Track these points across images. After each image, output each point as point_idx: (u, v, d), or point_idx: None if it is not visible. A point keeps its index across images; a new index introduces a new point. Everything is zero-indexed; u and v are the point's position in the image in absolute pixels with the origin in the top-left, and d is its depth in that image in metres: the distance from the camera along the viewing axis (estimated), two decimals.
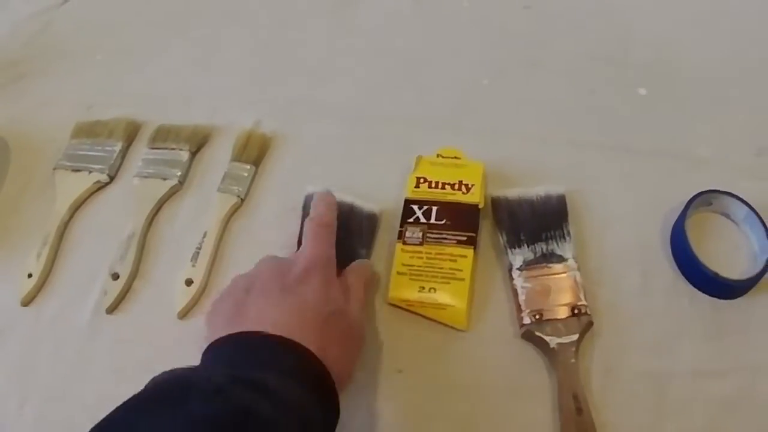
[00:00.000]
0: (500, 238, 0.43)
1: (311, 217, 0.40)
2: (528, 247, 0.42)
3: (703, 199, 0.44)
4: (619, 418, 0.38)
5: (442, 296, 0.41)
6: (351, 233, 0.43)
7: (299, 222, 0.44)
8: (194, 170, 0.51)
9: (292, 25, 0.60)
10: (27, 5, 0.65)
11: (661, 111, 0.51)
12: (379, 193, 0.47)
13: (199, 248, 0.45)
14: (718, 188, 0.44)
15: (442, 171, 0.45)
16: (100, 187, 0.50)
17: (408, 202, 0.44)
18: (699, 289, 0.42)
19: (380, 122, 0.52)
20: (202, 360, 0.33)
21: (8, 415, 0.41)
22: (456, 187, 0.44)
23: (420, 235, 0.43)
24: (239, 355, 0.32)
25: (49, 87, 0.58)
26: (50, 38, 0.62)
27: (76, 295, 0.45)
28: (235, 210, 0.48)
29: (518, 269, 0.42)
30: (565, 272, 0.41)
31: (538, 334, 0.39)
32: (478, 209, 0.43)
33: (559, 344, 0.39)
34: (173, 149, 0.51)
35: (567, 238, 0.43)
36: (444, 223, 0.43)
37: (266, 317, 0.34)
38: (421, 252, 0.42)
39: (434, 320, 0.41)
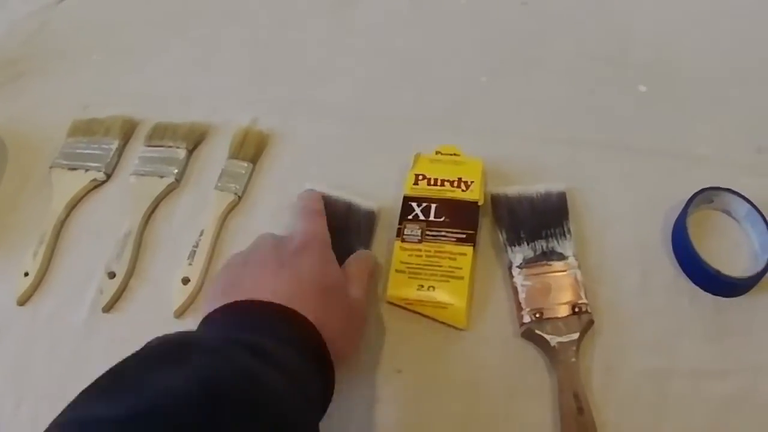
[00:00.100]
0: (500, 235, 0.43)
1: (299, 207, 0.41)
2: (528, 244, 0.42)
3: (704, 196, 0.43)
4: (619, 417, 0.37)
5: (442, 295, 0.40)
6: (349, 231, 0.43)
7: None
8: (191, 168, 0.50)
9: (290, 24, 0.60)
10: (25, 4, 0.65)
11: (660, 109, 0.50)
12: (378, 191, 0.46)
13: (196, 246, 0.45)
14: (719, 185, 0.43)
15: (441, 168, 0.45)
16: (96, 185, 0.50)
17: (407, 200, 0.44)
18: (700, 287, 0.42)
19: (379, 120, 0.51)
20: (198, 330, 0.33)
21: (4, 414, 0.41)
22: (455, 184, 0.44)
23: (419, 232, 0.42)
24: (235, 323, 0.32)
25: (46, 86, 0.58)
26: (47, 37, 0.62)
27: (73, 293, 0.45)
28: (232, 208, 0.48)
29: (518, 267, 0.41)
30: (565, 270, 0.41)
31: (538, 332, 0.39)
32: (478, 206, 0.43)
33: (560, 343, 0.38)
34: (170, 147, 0.50)
35: (567, 235, 0.42)
36: (443, 221, 0.42)
37: (263, 287, 0.33)
38: (420, 250, 0.42)
39: (433, 319, 0.41)
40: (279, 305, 0.32)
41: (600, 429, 0.36)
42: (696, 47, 0.54)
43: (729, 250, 0.43)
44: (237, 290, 0.34)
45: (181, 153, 0.50)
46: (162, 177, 0.49)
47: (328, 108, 0.53)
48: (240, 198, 0.48)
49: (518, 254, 0.42)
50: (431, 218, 0.43)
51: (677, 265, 0.43)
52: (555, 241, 0.42)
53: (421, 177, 0.45)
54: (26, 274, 0.45)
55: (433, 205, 0.43)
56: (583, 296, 0.40)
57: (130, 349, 0.41)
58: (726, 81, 0.52)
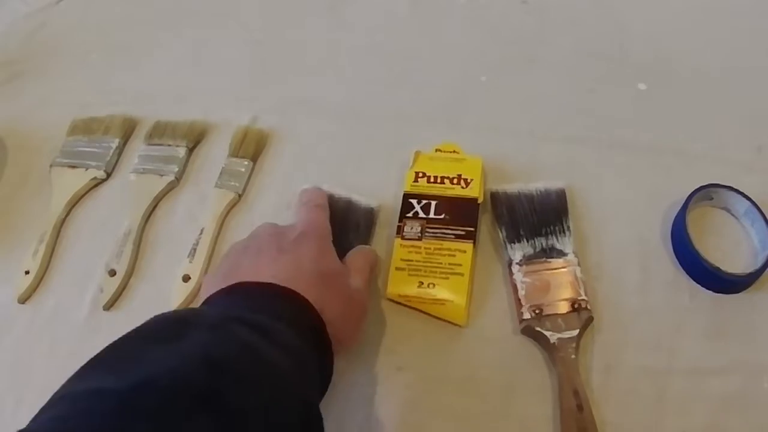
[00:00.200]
0: (499, 232, 0.43)
1: (303, 201, 0.41)
2: (527, 241, 0.42)
3: (704, 193, 0.44)
4: (619, 414, 0.37)
5: (441, 291, 0.40)
6: (348, 228, 0.43)
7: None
8: (191, 166, 0.50)
9: (290, 22, 0.60)
10: (24, 5, 0.65)
11: (660, 107, 0.50)
12: (378, 188, 0.46)
13: (196, 244, 0.45)
14: (718, 183, 0.43)
15: (441, 165, 0.45)
16: (96, 183, 0.50)
17: (407, 197, 0.44)
18: (700, 284, 0.42)
19: (378, 118, 0.51)
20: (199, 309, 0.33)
21: (4, 412, 0.41)
22: (455, 181, 0.44)
23: (419, 229, 0.42)
24: (236, 303, 0.32)
25: (45, 86, 0.58)
26: (46, 37, 0.62)
27: (73, 292, 0.45)
28: (232, 206, 0.48)
29: (518, 264, 0.41)
30: (565, 267, 0.41)
31: (538, 329, 0.39)
32: (477, 204, 0.43)
33: (559, 339, 0.38)
34: (170, 145, 0.50)
35: (567, 232, 0.42)
36: (443, 218, 0.43)
37: (262, 271, 0.34)
38: (419, 247, 0.42)
39: (433, 316, 0.41)
40: (279, 286, 0.32)
41: (599, 426, 0.36)
42: (696, 45, 0.54)
43: (728, 247, 0.43)
44: (237, 275, 0.34)
45: (181, 151, 0.50)
46: (162, 175, 0.49)
47: (328, 106, 0.53)
48: (240, 196, 0.48)
49: (518, 251, 0.42)
50: (431, 215, 0.43)
51: (677, 262, 0.43)
52: (554, 238, 0.42)
53: (420, 174, 0.45)
54: (27, 273, 0.45)
55: (433, 203, 0.43)
56: (582, 293, 0.40)
57: None
58: (726, 78, 0.52)
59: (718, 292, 0.41)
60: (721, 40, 0.54)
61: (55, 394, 0.25)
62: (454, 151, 0.46)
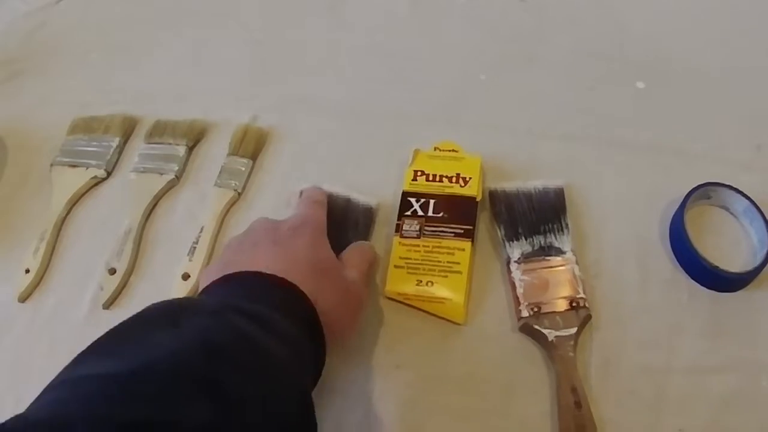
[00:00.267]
0: (498, 231, 0.43)
1: (303, 195, 0.42)
2: (526, 240, 0.42)
3: (702, 192, 0.44)
4: (617, 412, 0.37)
5: (440, 290, 0.41)
6: (347, 226, 0.43)
7: None
8: (191, 165, 0.51)
9: (289, 21, 0.60)
10: (24, 4, 0.65)
11: (659, 105, 0.50)
12: (377, 187, 0.46)
13: (196, 243, 0.45)
14: (716, 181, 0.43)
15: (440, 164, 0.45)
16: (97, 182, 0.50)
17: (405, 195, 0.44)
18: (698, 283, 0.42)
19: (378, 117, 0.52)
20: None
21: (4, 410, 0.40)
22: (453, 180, 0.44)
23: (417, 228, 0.42)
24: (232, 292, 0.33)
25: (45, 85, 0.58)
26: (46, 36, 0.62)
27: (73, 290, 0.45)
28: (232, 204, 0.48)
29: (516, 262, 0.42)
30: (563, 265, 0.41)
31: (536, 327, 0.39)
32: (476, 202, 0.43)
33: (558, 337, 0.38)
34: (170, 144, 0.51)
35: (565, 231, 0.42)
36: (441, 216, 0.43)
37: (257, 263, 0.34)
38: (418, 245, 0.42)
39: (432, 314, 0.41)
40: (273, 276, 0.33)
41: (598, 423, 0.36)
42: (694, 44, 0.54)
43: (727, 245, 0.43)
44: (233, 267, 0.34)
45: (181, 150, 0.50)
46: (162, 174, 0.49)
47: (327, 105, 0.53)
48: (240, 194, 0.48)
49: (516, 249, 0.42)
50: (430, 214, 0.43)
51: (675, 260, 0.43)
52: (553, 237, 0.42)
53: (419, 173, 0.45)
54: (27, 271, 0.46)
55: (432, 201, 0.43)
56: (581, 291, 0.40)
57: None
58: (725, 77, 0.52)
59: (716, 291, 0.41)
60: (720, 39, 0.54)
61: (55, 378, 0.25)
62: (453, 150, 0.46)
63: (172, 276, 0.44)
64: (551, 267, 0.41)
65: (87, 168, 0.50)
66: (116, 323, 0.43)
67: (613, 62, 0.53)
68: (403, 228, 0.43)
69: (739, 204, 0.43)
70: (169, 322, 0.27)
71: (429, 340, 0.41)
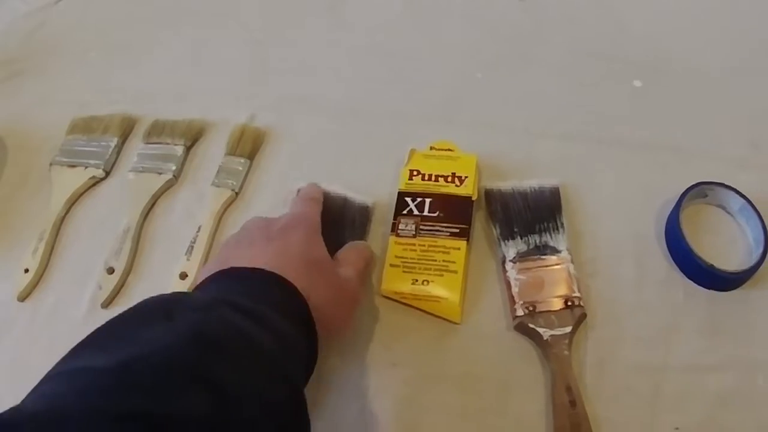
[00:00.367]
0: (493, 230, 0.43)
1: (299, 194, 0.42)
2: (521, 239, 0.42)
3: (698, 191, 0.44)
4: (612, 410, 0.37)
5: (436, 289, 0.41)
6: (343, 225, 0.43)
7: None
8: (189, 165, 0.51)
9: (286, 21, 0.60)
10: (23, 3, 0.65)
11: (655, 104, 0.50)
12: (373, 186, 0.47)
13: (194, 242, 0.46)
14: (712, 180, 0.43)
15: (436, 163, 0.45)
16: (95, 182, 0.51)
17: (401, 195, 0.44)
18: (694, 281, 0.42)
19: (374, 116, 0.52)
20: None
21: (4, 409, 0.41)
22: (449, 179, 0.44)
23: (413, 227, 0.43)
24: (224, 287, 0.33)
25: (44, 84, 0.58)
26: (46, 36, 0.62)
27: (72, 289, 0.46)
28: (229, 204, 0.48)
29: (511, 261, 0.42)
30: (558, 264, 0.41)
31: (531, 326, 0.39)
32: (472, 201, 0.43)
33: (553, 336, 0.39)
34: (168, 144, 0.51)
35: (561, 230, 0.42)
36: (437, 216, 0.43)
37: (251, 260, 0.34)
38: (414, 244, 0.42)
39: (427, 313, 0.41)
40: (265, 271, 0.33)
41: (592, 422, 0.36)
42: (691, 43, 0.54)
43: (723, 244, 0.43)
44: (228, 264, 0.34)
45: (179, 150, 0.50)
46: (160, 174, 0.49)
47: (324, 104, 0.53)
48: (237, 194, 0.48)
49: (511, 248, 0.42)
50: (425, 213, 0.43)
51: (671, 259, 0.43)
52: (548, 236, 0.42)
53: (415, 172, 0.45)
54: (26, 271, 0.46)
55: (428, 200, 0.43)
56: (576, 290, 0.40)
57: None
58: (721, 76, 0.52)
59: (712, 289, 0.41)
60: (717, 39, 0.54)
61: (51, 370, 0.25)
62: (449, 149, 0.46)
63: (170, 275, 0.45)
64: (546, 266, 0.41)
65: (86, 168, 0.50)
66: None
67: (610, 61, 0.53)
68: (399, 227, 0.43)
69: (735, 203, 0.43)
70: (163, 317, 0.27)
71: (425, 338, 0.41)
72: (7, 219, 0.50)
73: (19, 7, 0.65)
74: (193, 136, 0.51)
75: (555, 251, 0.42)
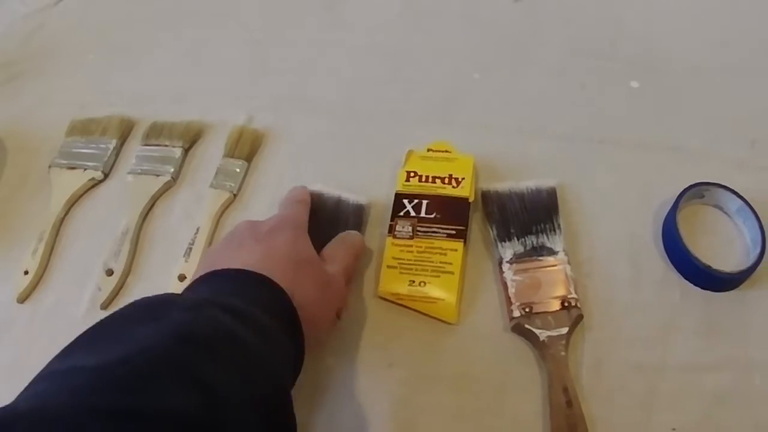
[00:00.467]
0: (490, 231, 0.43)
1: (286, 196, 0.43)
2: (518, 240, 0.42)
3: (695, 191, 0.44)
4: (609, 411, 0.37)
5: (432, 290, 0.41)
6: (338, 225, 0.43)
7: None
8: (187, 166, 0.51)
9: (284, 22, 0.60)
10: (22, 5, 0.65)
11: (652, 104, 0.50)
12: (371, 187, 0.47)
13: (192, 244, 0.46)
14: (710, 180, 0.43)
15: (433, 165, 0.45)
16: (94, 184, 0.51)
17: (398, 196, 0.44)
18: (691, 282, 0.42)
19: (371, 118, 0.52)
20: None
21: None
22: (446, 180, 0.44)
23: (410, 228, 0.43)
24: (211, 288, 0.33)
25: (44, 86, 0.58)
26: (45, 38, 0.63)
27: (72, 291, 0.46)
28: (227, 205, 0.48)
29: (508, 262, 0.42)
30: (555, 265, 0.41)
31: (528, 326, 0.39)
32: (468, 203, 0.44)
33: (549, 337, 0.39)
34: (166, 146, 0.51)
35: (557, 231, 0.42)
36: (434, 217, 0.43)
37: (238, 261, 0.35)
38: (411, 246, 0.42)
39: (424, 314, 0.41)
40: (253, 272, 0.33)
41: (589, 423, 0.36)
42: (688, 43, 0.54)
43: (720, 244, 0.43)
44: (216, 266, 0.35)
45: (177, 152, 0.50)
46: (158, 175, 0.49)
47: (321, 106, 0.53)
48: (235, 196, 0.48)
49: (508, 249, 0.42)
50: (422, 215, 0.43)
51: (668, 259, 0.43)
52: (545, 237, 0.42)
53: (412, 174, 0.45)
54: (26, 272, 0.46)
55: (425, 202, 0.44)
56: (572, 291, 0.40)
57: None
58: (718, 75, 0.52)
59: (708, 290, 0.41)
60: (714, 39, 0.54)
61: (41, 371, 0.26)
62: (446, 150, 0.46)
63: (169, 276, 0.45)
64: (543, 267, 0.41)
65: (84, 170, 0.51)
66: None
67: (607, 62, 0.53)
68: (396, 229, 0.43)
69: (733, 203, 0.43)
70: (153, 317, 0.27)
71: (421, 339, 0.41)
72: (7, 220, 0.50)
73: (18, 9, 0.65)
74: (192, 138, 0.52)
75: (552, 252, 0.42)
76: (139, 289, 0.46)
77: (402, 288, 0.41)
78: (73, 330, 0.43)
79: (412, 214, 0.43)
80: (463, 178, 0.44)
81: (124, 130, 0.53)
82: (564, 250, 0.42)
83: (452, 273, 0.41)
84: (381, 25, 0.58)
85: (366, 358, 0.40)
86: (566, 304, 0.40)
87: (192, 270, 0.45)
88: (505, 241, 0.42)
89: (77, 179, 0.50)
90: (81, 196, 0.50)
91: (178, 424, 0.23)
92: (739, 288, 0.41)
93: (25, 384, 0.42)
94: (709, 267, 0.40)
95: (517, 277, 0.41)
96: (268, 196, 0.48)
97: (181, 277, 0.44)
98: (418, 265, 0.42)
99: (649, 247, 0.43)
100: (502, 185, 0.45)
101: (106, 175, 0.51)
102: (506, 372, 0.39)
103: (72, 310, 0.45)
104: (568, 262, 0.41)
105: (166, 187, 0.50)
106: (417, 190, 0.44)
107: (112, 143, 0.52)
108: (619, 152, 0.48)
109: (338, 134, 0.51)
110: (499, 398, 0.39)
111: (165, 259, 0.46)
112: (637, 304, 0.41)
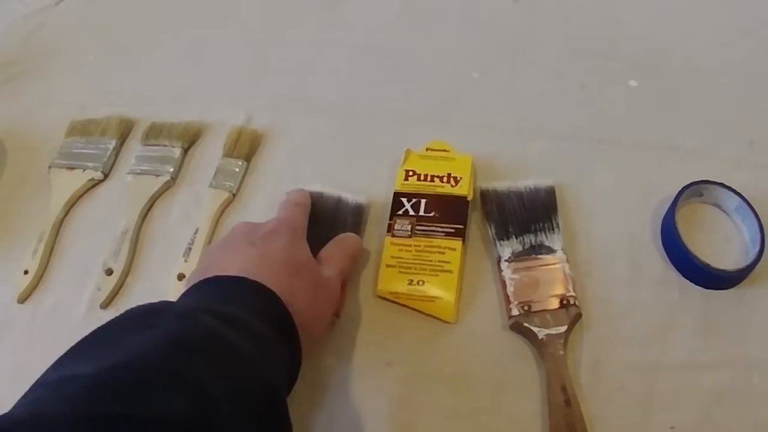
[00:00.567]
0: (489, 230, 0.43)
1: (285, 198, 0.43)
2: (516, 238, 0.42)
3: (694, 189, 0.44)
4: (607, 410, 0.37)
5: (431, 289, 0.41)
6: (337, 225, 0.44)
7: None
8: (186, 166, 0.51)
9: (283, 23, 0.60)
10: (22, 5, 0.65)
11: (651, 103, 0.50)
12: (369, 187, 0.47)
13: (192, 244, 0.46)
14: (709, 179, 0.43)
15: (431, 164, 0.45)
16: (94, 184, 0.51)
17: (397, 195, 0.44)
18: (690, 280, 0.42)
19: (370, 117, 0.52)
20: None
21: (4, 410, 0.42)
22: (445, 179, 0.44)
23: (409, 227, 0.43)
24: (205, 295, 0.33)
25: (44, 86, 0.58)
26: (45, 38, 0.63)
27: (71, 291, 0.46)
28: (226, 205, 0.48)
29: (507, 261, 0.42)
30: (554, 264, 0.41)
31: (526, 325, 0.39)
32: (467, 201, 0.44)
33: (548, 335, 0.39)
34: (166, 146, 0.51)
35: (556, 229, 0.43)
36: (433, 216, 0.43)
37: (233, 266, 0.35)
38: (410, 245, 0.42)
39: (423, 313, 0.41)
40: (245, 279, 0.33)
41: (588, 421, 0.36)
42: (687, 42, 0.54)
43: (719, 243, 0.43)
44: (211, 271, 0.35)
45: (177, 152, 0.51)
46: (158, 176, 0.50)
47: (320, 105, 0.53)
48: (234, 195, 0.49)
49: (507, 248, 0.42)
50: (421, 213, 0.43)
51: (667, 258, 0.43)
52: (543, 235, 0.42)
53: (411, 173, 0.45)
54: (26, 272, 0.46)
55: (423, 201, 0.44)
56: (571, 289, 0.40)
57: None
58: (717, 74, 0.52)
59: (707, 288, 0.41)
60: (712, 37, 0.54)
61: (37, 380, 0.26)
62: (444, 150, 0.46)
63: (168, 276, 0.45)
64: (542, 266, 0.41)
65: (84, 170, 0.51)
66: None
67: (607, 61, 0.53)
68: (395, 228, 0.43)
69: (731, 201, 0.43)
70: (146, 325, 0.28)
71: (420, 338, 0.41)
72: (7, 220, 0.50)
73: (18, 9, 0.65)
74: (191, 138, 0.52)
75: (550, 251, 0.42)
76: (139, 289, 0.46)
77: (401, 287, 0.41)
78: (73, 330, 0.43)
79: (411, 212, 0.43)
80: (461, 177, 0.44)
81: (124, 131, 0.53)
82: (563, 249, 0.42)
83: (451, 272, 0.41)
84: (381, 24, 0.58)
85: (364, 357, 0.40)
86: (565, 303, 0.40)
87: (191, 270, 0.44)
88: (503, 240, 0.43)
89: (77, 179, 0.50)
90: (81, 196, 0.50)
91: (171, 429, 0.23)
92: (738, 286, 0.42)
93: (26, 384, 0.42)
94: (708, 265, 0.40)
95: (515, 276, 0.41)
96: (267, 196, 0.48)
97: (181, 277, 0.45)
98: (417, 264, 0.42)
99: (648, 245, 0.43)
100: (501, 184, 0.45)
101: (105, 176, 0.51)
102: (505, 371, 0.39)
103: (72, 310, 0.45)
104: (567, 261, 0.41)
105: (166, 187, 0.50)
106: (416, 189, 0.44)
107: (112, 143, 0.52)
108: (618, 151, 0.48)
109: (337, 134, 0.51)
110: (497, 397, 0.39)
111: (164, 258, 0.46)
112: (635, 303, 0.41)
